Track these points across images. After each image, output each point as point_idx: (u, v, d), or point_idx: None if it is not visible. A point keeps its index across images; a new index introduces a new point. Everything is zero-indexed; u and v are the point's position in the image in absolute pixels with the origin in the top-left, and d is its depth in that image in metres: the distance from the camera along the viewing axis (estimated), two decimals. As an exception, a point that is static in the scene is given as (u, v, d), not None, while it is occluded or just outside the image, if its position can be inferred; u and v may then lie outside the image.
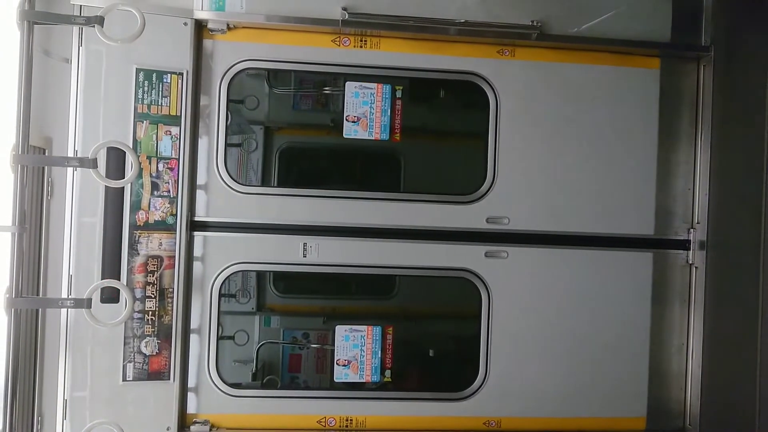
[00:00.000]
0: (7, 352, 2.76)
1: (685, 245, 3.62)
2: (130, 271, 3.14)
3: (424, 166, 4.10)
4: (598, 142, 3.53)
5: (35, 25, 2.86)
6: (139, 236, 3.16)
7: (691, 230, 3.61)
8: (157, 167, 3.18)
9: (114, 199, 3.12)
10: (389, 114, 3.49)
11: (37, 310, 3.08)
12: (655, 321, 3.58)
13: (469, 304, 3.53)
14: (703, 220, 3.56)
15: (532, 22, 3.41)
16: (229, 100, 3.37)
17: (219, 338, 3.39)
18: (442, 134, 4.20)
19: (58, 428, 3.08)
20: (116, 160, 3.08)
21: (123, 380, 3.13)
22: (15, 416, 2.77)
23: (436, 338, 4.15)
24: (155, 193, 3.18)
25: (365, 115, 3.47)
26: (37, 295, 3.08)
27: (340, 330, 3.49)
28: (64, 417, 3.08)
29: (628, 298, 3.55)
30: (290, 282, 4.27)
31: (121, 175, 3.06)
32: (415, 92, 3.70)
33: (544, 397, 3.50)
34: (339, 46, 3.42)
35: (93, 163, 2.86)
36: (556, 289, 3.51)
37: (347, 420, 3.42)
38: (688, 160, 3.63)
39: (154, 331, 3.18)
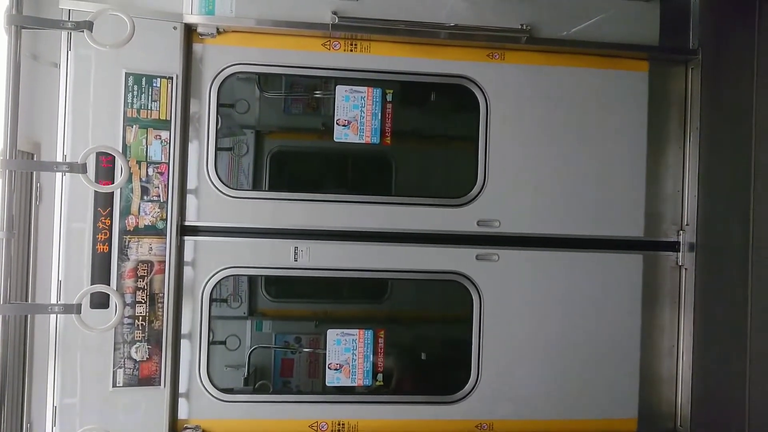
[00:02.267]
0: (-5, 359, 2.74)
1: (674, 247, 3.64)
2: (119, 276, 3.12)
3: (415, 169, 4.10)
4: (587, 145, 3.55)
5: (23, 30, 2.84)
6: (129, 241, 3.14)
7: (681, 232, 3.64)
8: (147, 172, 3.17)
9: (103, 204, 3.10)
10: (380, 118, 3.49)
11: (26, 316, 3.05)
12: (646, 323, 3.59)
13: (461, 307, 3.53)
14: (693, 221, 3.58)
15: (522, 25, 3.42)
16: (219, 105, 3.37)
17: (210, 343, 3.37)
18: (433, 138, 4.20)
19: (48, 435, 3.06)
20: (106, 164, 3.07)
21: (113, 386, 3.11)
22: (3, 423, 2.75)
23: (427, 341, 4.15)
24: (145, 197, 3.17)
25: (356, 118, 3.48)
26: (26, 301, 3.05)
27: (332, 334, 3.49)
28: (54, 424, 3.06)
29: (619, 300, 3.56)
30: (282, 286, 4.26)
31: (111, 180, 3.05)
32: (406, 96, 3.70)
33: (536, 399, 3.51)
34: (329, 49, 3.42)
35: (82, 168, 2.85)
36: (547, 291, 3.52)
37: (339, 424, 3.41)
38: (676, 163, 3.66)
39: (144, 337, 3.16)
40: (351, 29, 3.33)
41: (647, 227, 3.60)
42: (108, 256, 3.10)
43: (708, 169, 3.53)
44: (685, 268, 3.61)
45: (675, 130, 3.66)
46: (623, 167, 3.57)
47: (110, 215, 3.10)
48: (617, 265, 3.56)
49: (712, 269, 3.48)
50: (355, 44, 3.43)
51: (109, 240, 3.10)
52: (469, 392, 3.48)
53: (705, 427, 3.47)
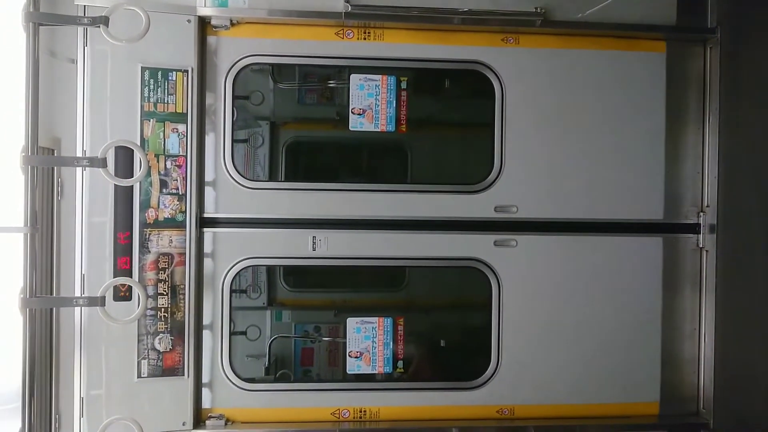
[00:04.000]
0: (24, 352, 2.79)
1: (695, 229, 3.60)
2: (141, 268, 3.16)
3: (431, 156, 4.09)
4: (605, 128, 3.52)
5: (40, 27, 2.87)
6: (149, 234, 3.17)
7: (701, 214, 3.60)
8: (165, 165, 3.20)
9: (124, 198, 3.14)
10: (394, 105, 3.49)
11: (51, 310, 3.11)
12: (667, 306, 3.57)
13: (479, 293, 3.53)
14: (713, 203, 3.54)
15: (536, 8, 3.39)
16: (234, 96, 3.38)
17: (231, 334, 3.41)
18: (448, 124, 4.19)
19: (76, 426, 3.11)
20: (125, 158, 3.10)
21: (138, 377, 3.16)
22: (33, 415, 2.80)
23: (447, 328, 4.16)
24: (164, 190, 3.20)
25: (370, 107, 3.47)
26: (51, 294, 3.10)
27: (352, 322, 3.51)
28: (81, 415, 3.11)
29: (639, 284, 3.54)
30: (300, 276, 4.28)
31: (130, 174, 3.08)
32: (420, 83, 3.69)
33: (557, 384, 3.51)
34: (343, 38, 3.41)
35: (102, 163, 2.88)
36: (566, 276, 3.51)
37: (361, 411, 3.44)
38: (696, 144, 3.61)
39: (167, 328, 3.20)
40: (364, 17, 3.32)
41: (667, 210, 3.57)
42: (129, 252, 3.14)
43: (728, 149, 3.49)
44: (706, 250, 3.57)
45: (694, 111, 3.61)
46: (642, 150, 3.53)
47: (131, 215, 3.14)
48: (637, 249, 3.53)
49: (733, 250, 3.44)
50: (369, 32, 3.42)
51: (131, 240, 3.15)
52: (490, 378, 3.48)
53: (728, 410, 3.45)
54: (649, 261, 3.55)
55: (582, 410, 3.53)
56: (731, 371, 3.44)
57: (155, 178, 3.18)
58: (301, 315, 4.27)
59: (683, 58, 3.60)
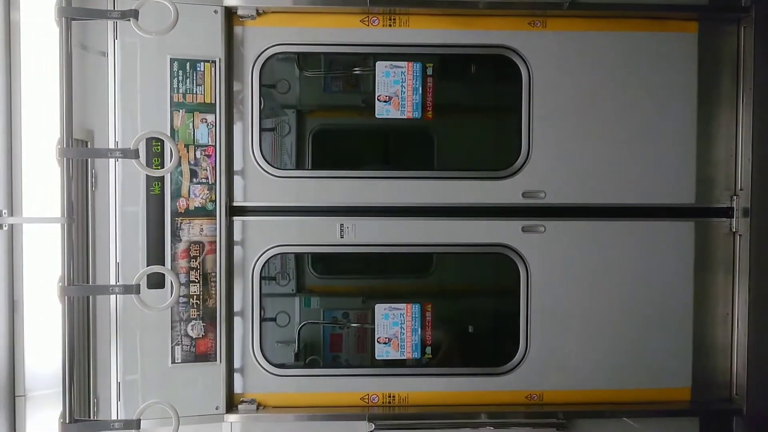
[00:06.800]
0: (63, 339, 2.87)
1: (727, 213, 3.53)
2: (173, 257, 3.22)
3: (458, 142, 4.08)
4: (634, 111, 3.46)
5: (72, 21, 2.92)
6: (180, 223, 3.23)
7: (734, 197, 3.53)
8: (195, 155, 3.25)
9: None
10: (421, 92, 3.48)
11: (88, 297, 3.19)
12: (699, 291, 3.52)
13: (507, 279, 3.52)
14: (747, 186, 3.46)
15: (564, -9, 3.34)
16: (261, 86, 3.40)
17: (261, 320, 3.46)
18: (475, 110, 4.16)
19: (113, 410, 3.20)
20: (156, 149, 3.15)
21: (172, 362, 3.24)
22: (73, 399, 2.89)
23: (475, 314, 4.16)
24: (194, 180, 3.25)
25: (397, 94, 3.47)
26: (88, 282, 3.19)
27: (380, 308, 3.53)
28: (119, 399, 3.20)
29: (670, 269, 3.49)
30: (329, 263, 4.32)
31: (161, 164, 3.14)
32: (446, 69, 3.67)
33: (586, 369, 3.50)
34: (368, 25, 3.41)
35: (135, 154, 2.93)
36: (595, 261, 3.48)
37: (390, 396, 3.48)
38: (729, 126, 3.53)
39: (199, 315, 3.27)
40: (389, 3, 3.31)
41: (699, 193, 3.50)
42: (162, 239, 3.20)
43: (762, 131, 3.41)
44: (740, 234, 3.51)
45: (727, 93, 3.52)
46: (673, 132, 3.47)
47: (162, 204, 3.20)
48: (668, 234, 3.48)
49: (767, 234, 3.38)
50: (394, 19, 3.41)
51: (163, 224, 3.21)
52: (518, 363, 3.49)
53: (762, 396, 3.40)
54: (681, 246, 3.50)
55: (612, 396, 3.51)
56: (765, 357, 3.38)
57: (185, 168, 3.23)
58: (329, 301, 4.32)
59: (716, 38, 3.51)
